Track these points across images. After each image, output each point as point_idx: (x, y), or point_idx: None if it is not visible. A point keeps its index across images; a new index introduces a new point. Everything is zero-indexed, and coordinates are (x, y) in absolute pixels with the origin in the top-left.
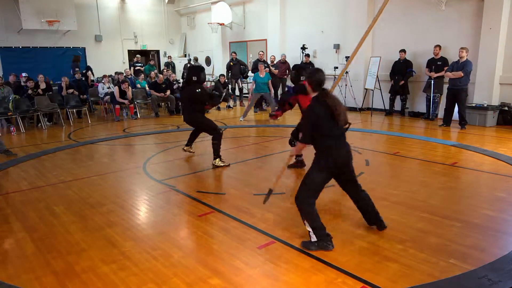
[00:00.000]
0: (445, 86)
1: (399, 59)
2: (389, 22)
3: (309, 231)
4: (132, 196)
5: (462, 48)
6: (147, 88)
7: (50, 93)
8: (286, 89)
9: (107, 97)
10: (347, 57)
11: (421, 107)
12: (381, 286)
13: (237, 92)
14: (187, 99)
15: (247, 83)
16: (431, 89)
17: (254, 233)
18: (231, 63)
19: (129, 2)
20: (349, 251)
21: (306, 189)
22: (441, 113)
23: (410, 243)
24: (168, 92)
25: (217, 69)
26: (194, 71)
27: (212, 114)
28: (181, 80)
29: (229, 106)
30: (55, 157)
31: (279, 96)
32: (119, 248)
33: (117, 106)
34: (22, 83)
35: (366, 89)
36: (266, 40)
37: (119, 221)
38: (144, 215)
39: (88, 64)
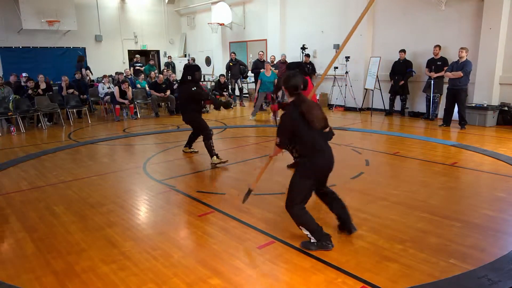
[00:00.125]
0: (445, 86)
1: (399, 59)
2: (389, 22)
3: (307, 235)
4: (132, 196)
5: (462, 48)
6: (147, 88)
7: (50, 93)
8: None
9: (107, 97)
10: (347, 57)
11: (421, 107)
12: (381, 286)
13: (237, 92)
14: (184, 98)
15: (247, 83)
16: (431, 89)
17: (254, 233)
18: (231, 63)
19: (129, 2)
20: (349, 251)
21: (295, 197)
22: (441, 113)
23: (410, 243)
24: (168, 92)
25: (217, 69)
26: (189, 70)
27: (212, 114)
28: None
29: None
30: (55, 157)
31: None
32: (119, 248)
33: (117, 106)
34: (22, 83)
35: (366, 89)
36: (266, 40)
37: (119, 221)
38: (144, 215)
39: (88, 65)
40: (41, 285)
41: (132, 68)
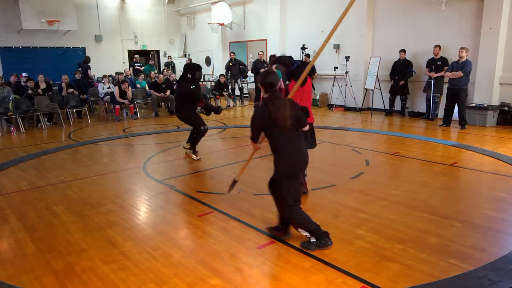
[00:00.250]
0: (445, 86)
1: (399, 59)
2: (389, 22)
3: (307, 235)
4: (132, 196)
5: (462, 48)
6: (147, 88)
7: (50, 93)
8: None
9: (107, 97)
10: (347, 57)
11: (421, 107)
12: (381, 286)
13: (237, 92)
14: (181, 95)
15: (247, 83)
16: (431, 89)
17: (254, 233)
18: (230, 63)
19: (129, 2)
20: (349, 251)
21: (289, 202)
22: (441, 113)
23: (410, 243)
24: (168, 92)
25: (217, 69)
26: (190, 69)
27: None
28: None
29: (229, 106)
30: (55, 157)
31: None
32: (119, 248)
33: (117, 106)
34: (22, 83)
35: (366, 89)
36: (266, 40)
37: (119, 221)
38: (144, 215)
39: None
40: (41, 285)
41: (131, 68)
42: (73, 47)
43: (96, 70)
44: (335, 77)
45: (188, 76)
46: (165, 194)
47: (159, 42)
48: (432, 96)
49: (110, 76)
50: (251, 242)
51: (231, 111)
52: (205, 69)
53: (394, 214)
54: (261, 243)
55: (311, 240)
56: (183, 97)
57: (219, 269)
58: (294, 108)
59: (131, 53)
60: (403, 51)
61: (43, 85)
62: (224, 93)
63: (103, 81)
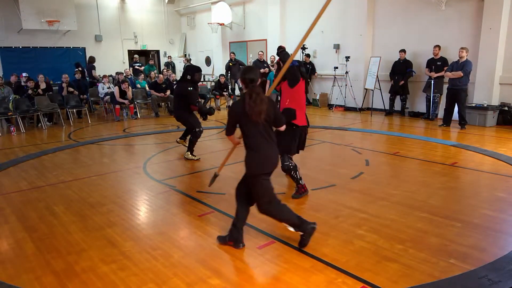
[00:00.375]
0: (445, 86)
1: (399, 59)
2: (389, 22)
3: (293, 230)
4: (132, 196)
5: (462, 48)
6: (147, 88)
7: (50, 93)
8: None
9: (107, 97)
10: (347, 57)
11: (421, 107)
12: (381, 286)
13: (237, 92)
14: (178, 95)
15: None
16: (431, 89)
17: (254, 233)
18: (230, 64)
19: (129, 2)
20: (349, 251)
21: (263, 198)
22: (441, 113)
23: (410, 243)
24: (168, 92)
25: (217, 69)
26: (190, 70)
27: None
28: None
29: (229, 106)
30: (55, 157)
31: None
32: (119, 248)
33: (117, 106)
34: (23, 83)
35: (366, 89)
36: (266, 40)
37: (119, 221)
38: (144, 215)
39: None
40: (41, 285)
41: (131, 68)
42: (73, 47)
43: (96, 70)
44: (335, 77)
45: (188, 77)
46: (165, 194)
47: (159, 42)
48: (432, 96)
49: (110, 76)
50: (251, 242)
51: None
52: (205, 69)
53: (394, 214)
54: (261, 243)
55: (301, 234)
56: (180, 98)
57: (219, 269)
58: (272, 106)
59: (131, 53)
60: (403, 51)
61: (43, 85)
62: (224, 93)
63: (103, 81)
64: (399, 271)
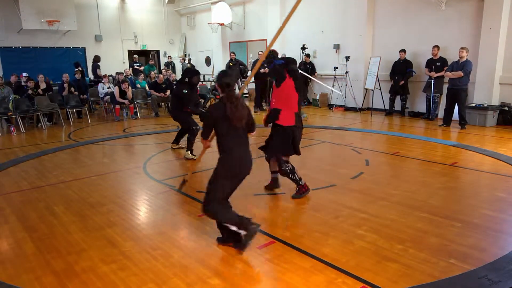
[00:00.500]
0: (445, 86)
1: (399, 59)
2: (389, 22)
3: (235, 231)
4: (132, 196)
5: (462, 48)
6: (147, 88)
7: (50, 93)
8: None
9: (107, 97)
10: (347, 57)
11: (421, 107)
12: (381, 286)
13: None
14: (175, 96)
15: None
16: (431, 89)
17: None
18: (230, 63)
19: (129, 2)
20: (349, 251)
21: (215, 197)
22: (441, 113)
23: (410, 243)
24: (168, 92)
25: (217, 69)
26: (189, 73)
27: None
28: None
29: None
30: (55, 157)
31: None
32: (119, 248)
33: (117, 106)
34: (23, 83)
35: (366, 89)
36: (266, 40)
37: (119, 221)
38: (144, 215)
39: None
40: (41, 285)
41: (131, 68)
42: (73, 47)
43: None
44: (335, 77)
45: (186, 79)
46: (165, 194)
47: (159, 42)
48: (432, 96)
49: (110, 76)
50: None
51: None
52: (205, 69)
53: (394, 214)
54: (261, 243)
55: (241, 235)
56: (177, 98)
57: (219, 269)
58: (248, 110)
59: (131, 53)
60: (403, 51)
61: (43, 85)
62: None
63: (103, 81)
64: (399, 271)
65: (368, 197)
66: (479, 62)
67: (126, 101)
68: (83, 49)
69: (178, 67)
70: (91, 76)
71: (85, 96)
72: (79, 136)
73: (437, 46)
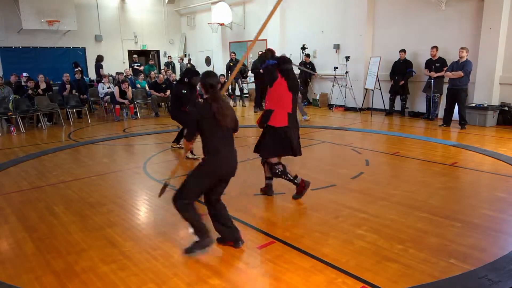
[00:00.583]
0: (445, 86)
1: (399, 59)
2: (389, 22)
3: (192, 232)
4: (132, 196)
5: (462, 48)
6: (147, 88)
7: (50, 93)
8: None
9: (107, 97)
10: (347, 57)
11: (421, 107)
12: (381, 286)
13: (237, 92)
14: (174, 95)
15: (247, 83)
16: (431, 89)
17: (254, 233)
18: (231, 63)
19: (129, 2)
20: (349, 251)
21: (189, 192)
22: (441, 113)
23: (410, 243)
24: (168, 92)
25: (217, 69)
26: (189, 74)
27: None
28: None
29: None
30: (55, 157)
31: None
32: (119, 248)
33: (117, 106)
34: (23, 83)
35: (366, 89)
36: (266, 40)
37: (119, 221)
38: (144, 215)
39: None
40: (41, 285)
41: (131, 68)
42: (73, 47)
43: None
44: (335, 77)
45: (185, 80)
46: (165, 194)
47: (159, 42)
48: (432, 96)
49: (110, 76)
50: (251, 242)
51: None
52: (205, 70)
53: (394, 214)
54: (261, 243)
55: (195, 240)
56: (176, 98)
57: (219, 269)
58: (233, 111)
59: (131, 53)
60: (403, 51)
61: (43, 85)
62: (224, 93)
63: (103, 81)
64: (399, 271)
65: (368, 197)
66: (479, 62)
67: (126, 101)
68: (83, 49)
69: (178, 67)
70: (91, 76)
71: (85, 96)
72: (79, 136)
73: (435, 47)
